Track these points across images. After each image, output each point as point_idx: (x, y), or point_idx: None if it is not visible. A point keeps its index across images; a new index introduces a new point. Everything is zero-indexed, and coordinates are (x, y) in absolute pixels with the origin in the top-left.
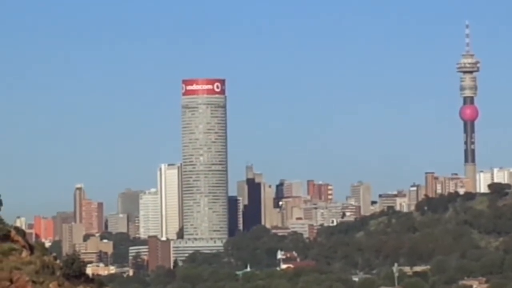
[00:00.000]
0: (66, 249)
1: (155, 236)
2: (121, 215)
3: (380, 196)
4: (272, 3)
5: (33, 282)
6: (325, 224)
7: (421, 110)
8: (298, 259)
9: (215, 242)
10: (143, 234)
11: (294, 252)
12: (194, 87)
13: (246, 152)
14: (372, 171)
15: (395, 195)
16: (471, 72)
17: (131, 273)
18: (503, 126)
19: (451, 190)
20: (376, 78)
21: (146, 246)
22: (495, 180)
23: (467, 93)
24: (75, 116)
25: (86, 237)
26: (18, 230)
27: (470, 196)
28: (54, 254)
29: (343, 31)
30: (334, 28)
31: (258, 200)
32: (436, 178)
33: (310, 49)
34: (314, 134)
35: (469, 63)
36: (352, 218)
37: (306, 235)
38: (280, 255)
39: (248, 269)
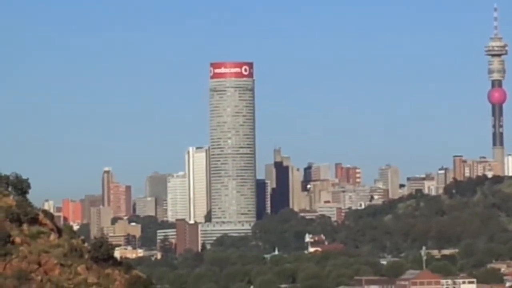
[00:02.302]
0: (94, 232)
1: (183, 219)
2: (149, 199)
3: (408, 179)
4: None
5: (61, 265)
6: (353, 207)
7: (449, 94)
8: (326, 242)
9: (243, 225)
10: (171, 217)
11: (322, 235)
12: (222, 70)
13: (274, 135)
14: (400, 154)
15: (423, 178)
16: (499, 55)
17: (159, 256)
18: None
19: (479, 173)
20: (404, 62)
21: (174, 230)
22: None
23: (495, 76)
24: (103, 100)
25: (114, 220)
26: (46, 213)
27: (498, 179)
28: (82, 237)
29: (371, 17)
30: (362, 14)
31: (286, 183)
32: (464, 161)
33: (337, 33)
34: (342, 117)
35: (497, 46)
36: (380, 201)
37: (334, 218)
38: (308, 238)
39: (276, 252)
